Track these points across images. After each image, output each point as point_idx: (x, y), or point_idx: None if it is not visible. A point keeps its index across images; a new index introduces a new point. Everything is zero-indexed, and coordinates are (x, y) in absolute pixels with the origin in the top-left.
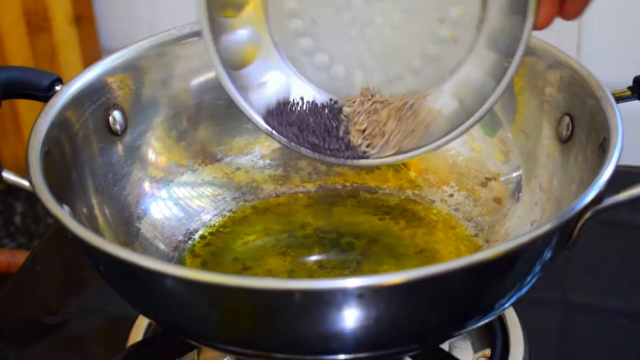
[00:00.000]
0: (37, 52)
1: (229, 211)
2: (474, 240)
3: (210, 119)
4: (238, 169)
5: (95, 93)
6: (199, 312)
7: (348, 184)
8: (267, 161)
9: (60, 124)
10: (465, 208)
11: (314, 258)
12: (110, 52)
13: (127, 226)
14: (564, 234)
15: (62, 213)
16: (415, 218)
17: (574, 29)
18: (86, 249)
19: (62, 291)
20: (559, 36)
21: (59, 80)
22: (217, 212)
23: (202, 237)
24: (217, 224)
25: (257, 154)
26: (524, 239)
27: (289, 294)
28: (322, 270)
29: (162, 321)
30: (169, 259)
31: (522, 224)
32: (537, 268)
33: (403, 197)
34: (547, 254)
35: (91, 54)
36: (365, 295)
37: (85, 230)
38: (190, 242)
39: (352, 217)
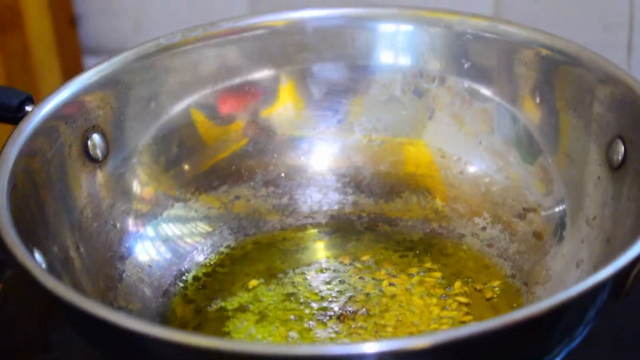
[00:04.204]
0: (7, 54)
1: (226, 247)
2: (510, 283)
3: (205, 141)
4: (237, 197)
5: (72, 114)
6: None
7: (364, 214)
8: (271, 189)
9: (30, 152)
10: (500, 244)
11: (327, 306)
12: (92, 51)
13: (109, 268)
14: (617, 284)
15: (32, 263)
16: (442, 255)
17: (624, 32)
18: (61, 304)
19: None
20: (606, 46)
21: (30, 99)
22: (213, 248)
23: (196, 278)
24: (213, 263)
25: (259, 180)
26: (569, 294)
27: None
28: (337, 322)
29: None
30: (157, 306)
31: (567, 265)
32: (580, 327)
33: (428, 231)
34: (595, 310)
35: (70, 53)
36: None
37: (59, 284)
38: (181, 284)
39: (369, 254)
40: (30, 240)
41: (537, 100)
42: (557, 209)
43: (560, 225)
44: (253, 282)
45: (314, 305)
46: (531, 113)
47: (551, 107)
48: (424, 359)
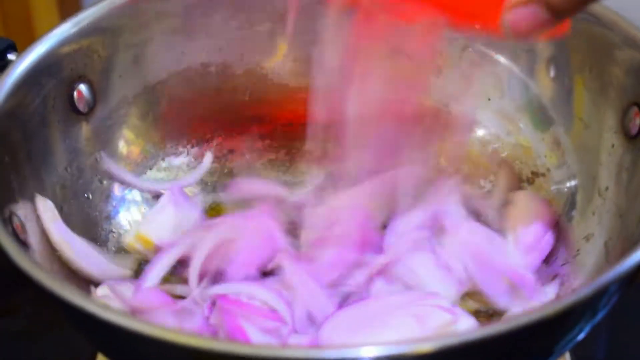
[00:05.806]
0: None
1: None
2: None
3: (199, 91)
4: (231, 152)
5: (57, 64)
6: None
7: None
8: (267, 142)
9: (11, 109)
10: None
11: None
12: None
13: (94, 229)
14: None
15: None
16: None
17: None
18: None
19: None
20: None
21: (12, 47)
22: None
23: None
24: None
25: (255, 132)
26: (575, 297)
27: None
28: None
29: None
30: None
31: (576, 237)
32: (587, 324)
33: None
34: (607, 302)
35: None
36: None
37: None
38: None
39: None
40: (7, 201)
41: (552, 66)
42: (568, 184)
43: (571, 192)
44: None
45: None
46: (545, 79)
47: (566, 66)
48: None
